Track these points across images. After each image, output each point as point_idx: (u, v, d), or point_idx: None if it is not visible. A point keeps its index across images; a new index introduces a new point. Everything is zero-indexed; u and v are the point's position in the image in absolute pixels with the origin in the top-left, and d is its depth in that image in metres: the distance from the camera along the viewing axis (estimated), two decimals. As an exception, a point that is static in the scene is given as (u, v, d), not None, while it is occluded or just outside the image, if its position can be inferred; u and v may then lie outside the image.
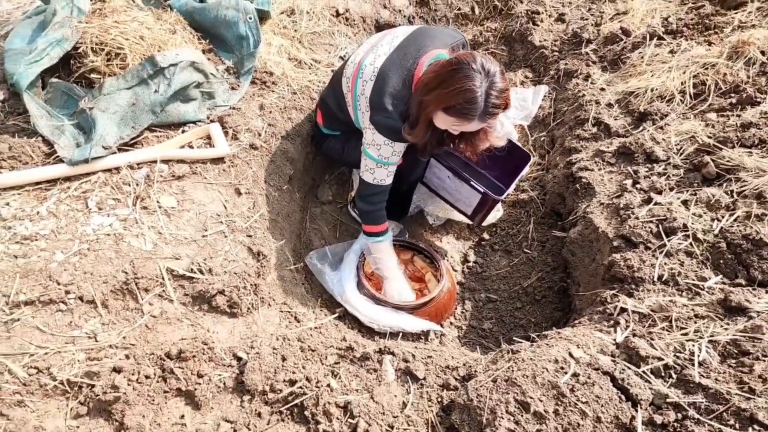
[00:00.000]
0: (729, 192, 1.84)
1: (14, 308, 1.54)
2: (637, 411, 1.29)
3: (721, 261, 1.65)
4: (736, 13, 2.65)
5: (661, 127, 2.25)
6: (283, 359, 1.58)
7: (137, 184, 1.92)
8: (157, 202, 1.88)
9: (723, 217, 1.76)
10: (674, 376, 1.35)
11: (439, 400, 1.50)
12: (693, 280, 1.63)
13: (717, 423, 1.22)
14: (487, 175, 2.54)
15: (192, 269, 1.73)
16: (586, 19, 3.26)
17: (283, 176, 2.30)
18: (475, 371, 1.54)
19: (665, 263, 1.70)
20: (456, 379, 1.55)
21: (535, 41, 3.32)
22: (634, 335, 1.50)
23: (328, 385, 1.50)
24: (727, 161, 1.93)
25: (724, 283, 1.61)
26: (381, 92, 1.82)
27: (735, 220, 1.73)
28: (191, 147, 2.12)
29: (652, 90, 2.43)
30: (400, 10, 3.43)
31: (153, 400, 1.44)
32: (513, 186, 2.26)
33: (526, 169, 2.26)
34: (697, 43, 2.58)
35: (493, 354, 1.63)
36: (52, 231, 1.74)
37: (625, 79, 2.64)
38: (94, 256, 1.68)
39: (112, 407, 1.41)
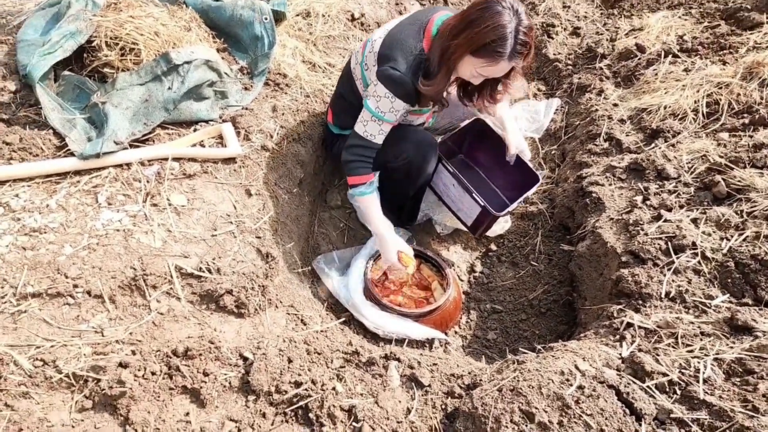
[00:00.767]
0: (739, 212, 1.84)
1: (21, 300, 1.54)
2: (640, 425, 1.29)
3: (729, 280, 1.65)
4: (751, 33, 2.66)
5: (673, 145, 2.26)
6: (289, 361, 1.57)
7: (148, 181, 1.92)
8: (168, 199, 1.88)
9: (732, 236, 1.76)
10: (679, 392, 1.35)
11: (444, 407, 1.50)
12: (700, 297, 1.63)
13: (721, 441, 1.22)
14: (494, 188, 2.54)
15: (200, 268, 1.73)
16: (601, 34, 3.27)
17: (294, 179, 2.30)
18: (480, 380, 1.54)
19: (673, 280, 1.70)
20: (461, 387, 1.55)
21: (549, 54, 3.34)
22: (640, 350, 1.50)
23: (334, 389, 1.50)
24: (738, 181, 1.93)
25: (731, 302, 1.61)
26: (390, 44, 1.82)
27: (744, 240, 1.73)
28: (203, 146, 2.12)
29: (665, 107, 2.44)
30: (414, 17, 3.45)
31: (158, 397, 1.44)
32: (515, 205, 2.26)
33: (532, 190, 2.26)
34: (712, 62, 2.59)
35: (499, 363, 1.63)
36: (62, 224, 1.75)
37: (638, 96, 2.64)
38: (102, 251, 1.68)
39: (117, 402, 1.40)
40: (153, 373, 1.47)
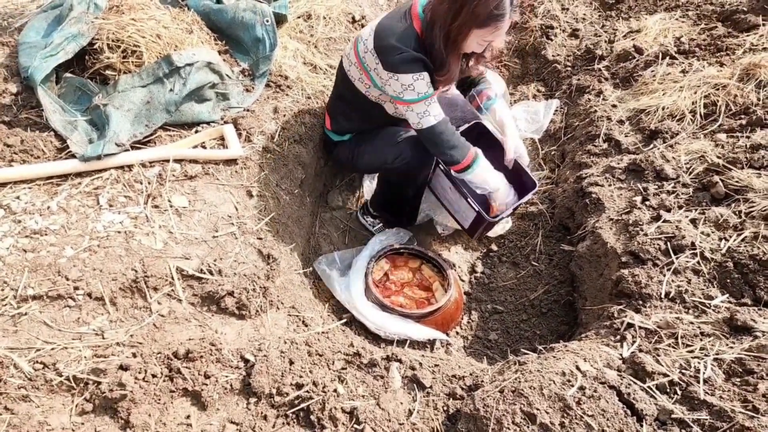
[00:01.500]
0: (737, 212, 1.85)
1: (22, 302, 1.54)
2: (642, 426, 1.29)
3: (728, 280, 1.66)
4: (748, 35, 2.67)
5: (672, 146, 2.27)
6: (291, 363, 1.57)
7: (149, 183, 1.93)
8: (169, 201, 1.88)
9: (731, 236, 1.77)
10: (679, 392, 1.36)
11: (445, 408, 1.50)
12: (700, 298, 1.63)
13: (722, 441, 1.23)
14: None
15: (202, 270, 1.73)
16: (600, 36, 3.28)
17: (295, 180, 2.30)
18: (482, 381, 1.54)
19: (672, 280, 1.70)
20: (462, 389, 1.55)
21: (548, 55, 3.34)
22: (641, 351, 1.50)
23: (335, 390, 1.50)
24: (736, 182, 1.94)
25: (730, 302, 1.61)
26: (382, 36, 1.83)
27: (742, 240, 1.74)
28: (204, 147, 2.12)
29: (663, 108, 2.45)
30: (414, 20, 3.46)
31: (159, 400, 1.44)
32: (509, 211, 2.26)
33: (528, 197, 2.26)
34: (709, 63, 2.60)
35: (500, 364, 1.63)
36: (62, 226, 1.75)
37: (636, 97, 2.65)
38: (103, 253, 1.68)
39: (117, 405, 1.40)
40: (154, 376, 1.47)
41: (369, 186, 2.72)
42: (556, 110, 3.01)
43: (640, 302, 1.69)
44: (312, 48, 2.82)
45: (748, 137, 2.13)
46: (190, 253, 1.76)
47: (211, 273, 1.73)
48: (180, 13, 2.43)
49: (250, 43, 2.55)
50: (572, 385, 1.37)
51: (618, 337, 1.60)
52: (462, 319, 2.26)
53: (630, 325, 1.61)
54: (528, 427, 1.31)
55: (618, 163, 2.31)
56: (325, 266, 2.22)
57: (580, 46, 3.32)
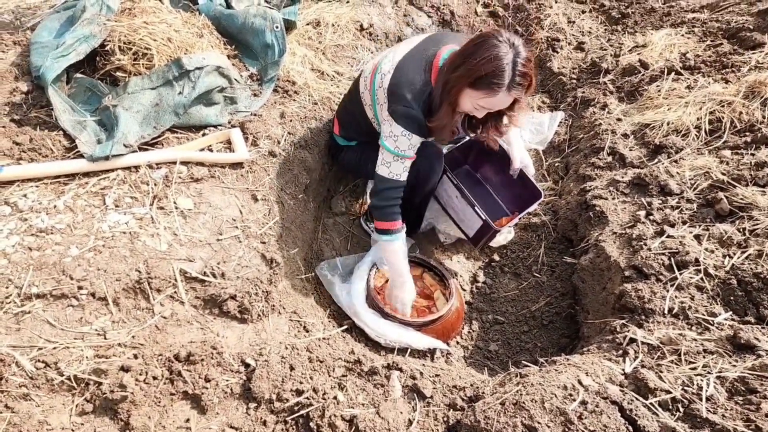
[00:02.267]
0: (741, 229, 1.85)
1: (25, 300, 1.54)
2: (644, 443, 1.29)
3: (732, 297, 1.65)
4: (753, 53, 2.68)
5: (676, 161, 2.27)
6: (291, 368, 1.57)
7: (155, 184, 1.93)
8: (174, 203, 1.89)
9: (735, 254, 1.77)
10: (681, 409, 1.35)
11: (445, 419, 1.49)
12: (703, 314, 1.63)
13: (725, 460, 1.22)
14: (497, 200, 2.55)
15: (205, 272, 1.73)
16: (605, 50, 3.30)
17: (300, 185, 2.31)
18: (483, 392, 1.53)
19: (676, 296, 1.70)
20: (463, 400, 1.54)
21: (553, 68, 3.37)
22: (643, 366, 1.50)
23: (335, 398, 1.49)
24: (741, 199, 1.94)
25: (733, 319, 1.61)
26: (399, 82, 1.83)
27: (746, 257, 1.74)
28: (211, 150, 2.14)
29: (668, 123, 2.46)
30: (422, 29, 3.48)
31: (159, 402, 1.44)
32: (515, 220, 2.27)
33: (534, 207, 2.27)
34: (714, 80, 2.62)
35: (502, 376, 1.62)
36: (68, 225, 1.75)
37: (641, 111, 2.66)
38: (108, 253, 1.68)
39: (118, 406, 1.40)
40: (154, 378, 1.47)
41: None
42: (561, 122, 3.02)
43: (643, 317, 1.69)
44: (320, 55, 2.84)
45: (752, 154, 2.14)
46: (194, 256, 1.77)
47: (214, 276, 1.74)
48: (191, 18, 2.45)
49: (260, 48, 2.57)
50: (574, 400, 1.37)
51: (620, 351, 1.59)
52: (463, 328, 2.26)
53: (632, 340, 1.61)
54: (528, 440, 1.30)
55: (622, 177, 2.31)
56: (327, 272, 2.22)
57: (585, 59, 3.34)
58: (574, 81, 3.24)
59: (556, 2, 3.81)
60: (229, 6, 2.72)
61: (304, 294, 2.06)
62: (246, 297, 1.73)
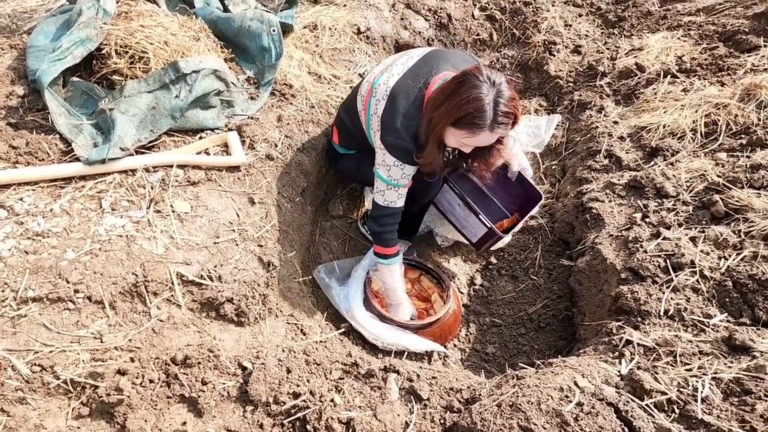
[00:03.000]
0: (737, 231, 1.86)
1: (22, 304, 1.54)
2: (639, 444, 1.29)
3: (727, 299, 1.66)
4: (749, 56, 2.70)
5: (672, 164, 2.28)
6: (288, 371, 1.57)
7: (152, 187, 1.93)
8: (171, 206, 1.89)
9: (730, 255, 1.77)
10: (677, 411, 1.36)
11: (442, 421, 1.50)
12: (698, 316, 1.64)
13: (720, 462, 1.22)
14: (499, 204, 2.56)
15: (202, 275, 1.73)
16: (602, 53, 3.32)
17: (297, 188, 2.31)
18: (479, 395, 1.54)
19: (672, 298, 1.71)
20: (460, 402, 1.54)
21: (550, 71, 3.38)
22: (639, 368, 1.50)
23: (332, 400, 1.49)
24: (736, 201, 1.95)
25: (729, 321, 1.62)
26: (392, 113, 1.83)
27: (742, 259, 1.74)
28: (208, 153, 2.14)
29: (664, 126, 2.47)
30: (420, 32, 3.49)
31: (156, 405, 1.44)
32: (521, 225, 2.28)
33: (536, 209, 2.28)
34: (710, 83, 2.63)
35: (498, 378, 1.63)
36: (65, 229, 1.75)
37: (638, 114, 2.68)
38: (105, 257, 1.68)
39: (114, 410, 1.40)
40: (151, 381, 1.47)
41: (370, 196, 2.73)
42: (558, 125, 3.03)
43: (639, 319, 1.70)
44: (317, 58, 2.85)
45: (748, 157, 2.15)
46: (191, 259, 1.77)
47: (211, 279, 1.74)
48: (188, 21, 2.46)
49: (256, 51, 2.57)
50: (570, 401, 1.37)
51: (616, 353, 1.60)
52: (460, 331, 2.26)
53: (628, 342, 1.61)
54: (525, 442, 1.30)
55: (618, 180, 2.32)
56: (324, 275, 2.22)
57: (582, 62, 3.35)
58: (571, 84, 3.26)
59: (553, 5, 3.83)
60: (225, 9, 2.73)
61: (301, 297, 2.06)
62: (243, 300, 1.73)
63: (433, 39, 3.59)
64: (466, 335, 2.26)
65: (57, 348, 1.48)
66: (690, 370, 1.46)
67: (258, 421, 1.47)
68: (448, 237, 2.59)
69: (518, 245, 2.59)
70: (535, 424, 1.32)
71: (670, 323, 1.64)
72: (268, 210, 2.08)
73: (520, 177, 2.33)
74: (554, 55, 3.47)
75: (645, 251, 1.89)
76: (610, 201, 2.26)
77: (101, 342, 1.53)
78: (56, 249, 1.69)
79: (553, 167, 2.87)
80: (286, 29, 2.82)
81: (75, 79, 2.19)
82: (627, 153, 2.48)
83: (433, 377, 1.63)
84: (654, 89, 2.74)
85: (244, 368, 1.57)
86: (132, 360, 1.50)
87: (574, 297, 2.20)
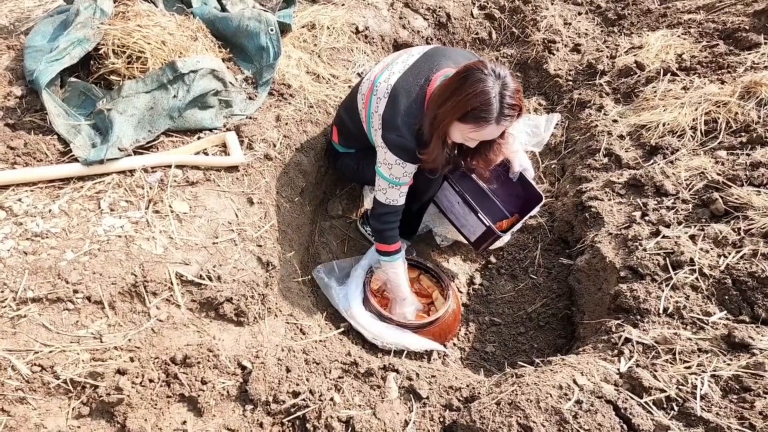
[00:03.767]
0: (736, 229, 1.86)
1: (21, 304, 1.54)
2: (638, 442, 1.29)
3: (726, 297, 1.66)
4: (749, 54, 2.70)
5: (672, 162, 2.28)
6: (288, 371, 1.58)
7: (150, 188, 1.93)
8: (170, 206, 1.89)
9: (729, 253, 1.77)
10: (676, 408, 1.36)
11: (442, 420, 1.50)
12: (698, 314, 1.64)
13: (719, 459, 1.23)
14: (499, 205, 2.56)
15: (201, 275, 1.73)
16: (602, 51, 3.32)
17: (296, 188, 2.31)
18: (479, 393, 1.54)
19: (671, 296, 1.71)
20: (459, 400, 1.55)
21: (550, 69, 3.38)
22: (638, 366, 1.50)
23: (332, 399, 1.50)
24: (736, 199, 1.95)
25: (728, 319, 1.62)
26: (393, 111, 1.83)
27: (741, 257, 1.74)
28: (206, 154, 2.13)
29: (664, 124, 2.47)
30: (418, 31, 3.48)
31: (156, 405, 1.44)
32: (520, 224, 2.28)
33: (536, 210, 2.28)
34: (710, 81, 2.63)
35: (497, 377, 1.63)
36: (63, 229, 1.75)
37: (637, 112, 2.67)
38: (104, 257, 1.68)
39: (114, 409, 1.40)
40: (151, 381, 1.47)
41: (370, 196, 2.73)
42: (557, 124, 3.03)
43: (638, 317, 1.70)
44: (315, 57, 2.84)
45: (748, 155, 2.15)
46: (190, 259, 1.77)
47: (210, 279, 1.74)
48: (185, 21, 2.45)
49: (254, 51, 2.57)
50: (569, 399, 1.37)
51: (615, 351, 1.60)
52: (459, 330, 2.26)
53: (628, 340, 1.61)
54: (524, 440, 1.30)
55: (618, 178, 2.32)
56: (323, 275, 2.23)
57: (582, 60, 3.35)
58: (571, 83, 3.26)
59: (552, 4, 3.82)
60: (223, 9, 2.72)
61: (300, 297, 2.06)
62: (242, 300, 1.73)
63: (431, 38, 3.59)
64: (466, 334, 2.26)
65: (57, 348, 1.48)
66: (689, 367, 1.46)
67: (258, 420, 1.47)
68: (447, 236, 2.59)
69: (518, 244, 2.59)
70: (534, 422, 1.32)
71: (669, 321, 1.64)
72: (266, 210, 2.08)
73: (521, 177, 2.32)
74: (553, 54, 3.47)
75: (644, 249, 1.89)
76: (609, 199, 2.26)
77: (101, 342, 1.53)
78: (55, 249, 1.69)
79: (553, 166, 2.87)
80: (284, 28, 2.82)
81: (73, 79, 2.19)
82: (626, 151, 2.48)
83: (433, 376, 1.63)
84: (654, 87, 2.74)
85: (243, 368, 1.57)
86: (132, 360, 1.50)
87: (573, 296, 2.20)
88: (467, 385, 1.60)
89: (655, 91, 2.70)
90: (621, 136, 2.59)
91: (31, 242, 1.69)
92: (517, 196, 2.42)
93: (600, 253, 2.04)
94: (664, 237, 1.91)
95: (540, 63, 3.49)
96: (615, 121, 2.71)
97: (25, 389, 1.40)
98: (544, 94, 3.39)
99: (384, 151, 1.89)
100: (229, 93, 2.33)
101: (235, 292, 1.73)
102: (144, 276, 1.66)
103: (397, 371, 1.62)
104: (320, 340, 1.81)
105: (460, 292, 2.42)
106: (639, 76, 2.90)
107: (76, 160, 1.94)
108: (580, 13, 3.81)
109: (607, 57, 3.22)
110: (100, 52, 2.20)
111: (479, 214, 2.19)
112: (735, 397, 1.36)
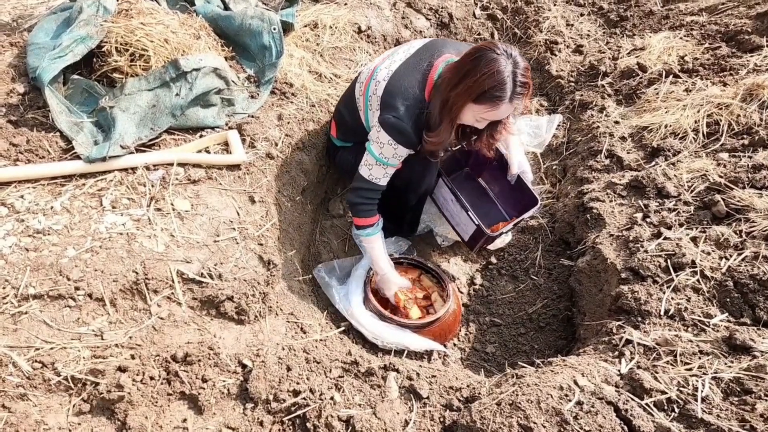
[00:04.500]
0: (738, 232, 1.86)
1: (23, 301, 1.54)
2: (639, 443, 1.29)
3: (728, 299, 1.66)
4: (751, 56, 2.69)
5: (674, 164, 2.28)
6: (288, 369, 1.58)
7: (152, 186, 1.94)
8: (171, 204, 1.89)
9: (731, 255, 1.77)
10: (677, 410, 1.36)
11: (442, 420, 1.50)
12: (699, 316, 1.63)
13: (720, 461, 1.22)
14: (499, 207, 2.55)
15: (202, 273, 1.73)
16: (604, 53, 3.32)
17: (297, 187, 2.32)
18: (479, 393, 1.54)
19: (672, 298, 1.70)
20: (459, 400, 1.55)
21: (552, 70, 3.38)
22: (639, 367, 1.50)
23: (332, 398, 1.50)
24: (737, 201, 1.95)
25: (729, 321, 1.61)
26: (393, 92, 1.84)
27: (743, 259, 1.74)
28: (208, 152, 2.14)
29: (665, 126, 2.46)
30: (421, 31, 3.49)
31: (156, 402, 1.44)
32: (510, 226, 2.28)
33: (529, 213, 2.28)
34: (712, 83, 2.63)
35: (498, 377, 1.63)
36: (65, 226, 1.75)
37: (639, 114, 2.67)
38: (105, 254, 1.69)
39: (115, 406, 1.41)
40: (152, 378, 1.47)
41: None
42: (559, 125, 3.03)
43: (639, 319, 1.69)
44: (318, 57, 2.84)
45: (750, 157, 2.15)
46: (191, 257, 1.77)
47: (211, 277, 1.74)
48: (188, 19, 2.45)
49: (257, 50, 2.57)
50: (570, 400, 1.37)
51: (616, 353, 1.60)
52: (460, 330, 2.26)
53: (629, 342, 1.61)
54: (524, 440, 1.30)
55: (619, 180, 2.32)
56: (324, 274, 2.23)
57: (584, 62, 3.35)
58: (572, 84, 3.26)
59: (554, 5, 3.82)
60: (226, 7, 2.73)
61: (301, 296, 2.06)
62: (243, 298, 1.73)
63: (433, 38, 3.59)
64: (466, 334, 2.26)
65: (58, 345, 1.48)
66: (690, 369, 1.45)
67: (258, 418, 1.47)
68: (448, 236, 2.59)
69: (518, 245, 2.59)
70: (534, 423, 1.32)
71: (670, 323, 1.64)
72: (268, 209, 2.08)
73: (519, 180, 2.32)
74: (556, 55, 3.47)
75: (646, 251, 1.89)
76: (610, 201, 2.26)
77: (102, 339, 1.54)
78: (57, 246, 1.69)
79: (554, 167, 2.87)
80: (287, 28, 2.82)
81: (75, 76, 2.19)
82: (628, 153, 2.48)
83: (433, 376, 1.63)
84: (656, 89, 2.74)
85: (244, 366, 1.57)
86: (132, 357, 1.51)
87: (574, 297, 2.20)
88: (467, 386, 1.60)
89: (657, 93, 2.70)
90: (623, 138, 2.59)
91: (32, 239, 1.70)
92: (517, 199, 2.43)
93: (601, 255, 2.04)
94: (665, 239, 1.91)
95: (542, 64, 3.49)
96: (617, 122, 2.71)
97: (25, 386, 1.40)
98: (545, 95, 3.39)
99: (378, 129, 1.88)
100: (231, 91, 2.33)
101: (236, 290, 1.73)
102: (145, 274, 1.66)
103: (397, 371, 1.62)
104: (321, 339, 1.81)
105: (461, 292, 2.42)
106: (641, 77, 2.90)
107: (78, 157, 1.95)
108: (582, 15, 3.81)
109: (609, 58, 3.22)
110: (103, 50, 2.20)
111: (469, 213, 2.19)
112: (736, 399, 1.35)
